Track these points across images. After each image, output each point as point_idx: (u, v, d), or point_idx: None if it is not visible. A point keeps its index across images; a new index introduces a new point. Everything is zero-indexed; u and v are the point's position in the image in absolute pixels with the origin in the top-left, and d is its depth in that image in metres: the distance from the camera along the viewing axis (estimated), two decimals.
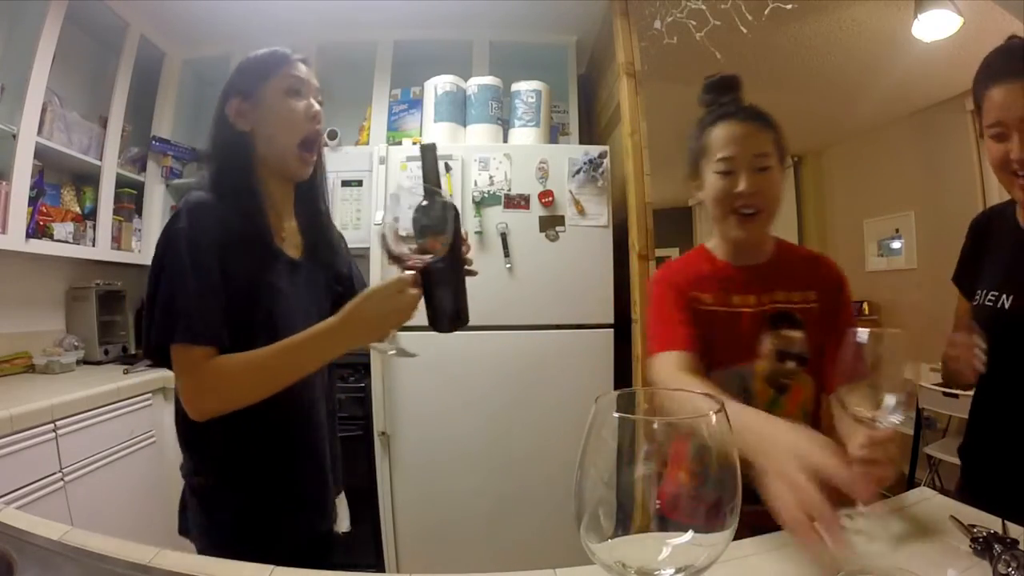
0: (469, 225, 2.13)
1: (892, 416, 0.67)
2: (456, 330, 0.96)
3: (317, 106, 0.98)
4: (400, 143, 2.36)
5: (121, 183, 2.45)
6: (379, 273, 2.09)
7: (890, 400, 0.67)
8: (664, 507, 0.37)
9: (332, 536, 1.08)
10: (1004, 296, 1.02)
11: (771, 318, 1.00)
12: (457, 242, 0.92)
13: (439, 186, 0.93)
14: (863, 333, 0.68)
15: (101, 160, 2.31)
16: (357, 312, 0.83)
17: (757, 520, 0.61)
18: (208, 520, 0.90)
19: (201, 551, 0.89)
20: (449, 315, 0.95)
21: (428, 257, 0.84)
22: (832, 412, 0.88)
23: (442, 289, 0.93)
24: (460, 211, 0.95)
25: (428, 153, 0.94)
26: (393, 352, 0.88)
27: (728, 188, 0.97)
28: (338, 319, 0.83)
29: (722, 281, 1.03)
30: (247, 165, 0.94)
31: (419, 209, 0.87)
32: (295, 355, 0.84)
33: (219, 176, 0.93)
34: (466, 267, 0.96)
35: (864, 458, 0.66)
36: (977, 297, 1.09)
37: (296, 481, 0.96)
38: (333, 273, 1.08)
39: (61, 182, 2.32)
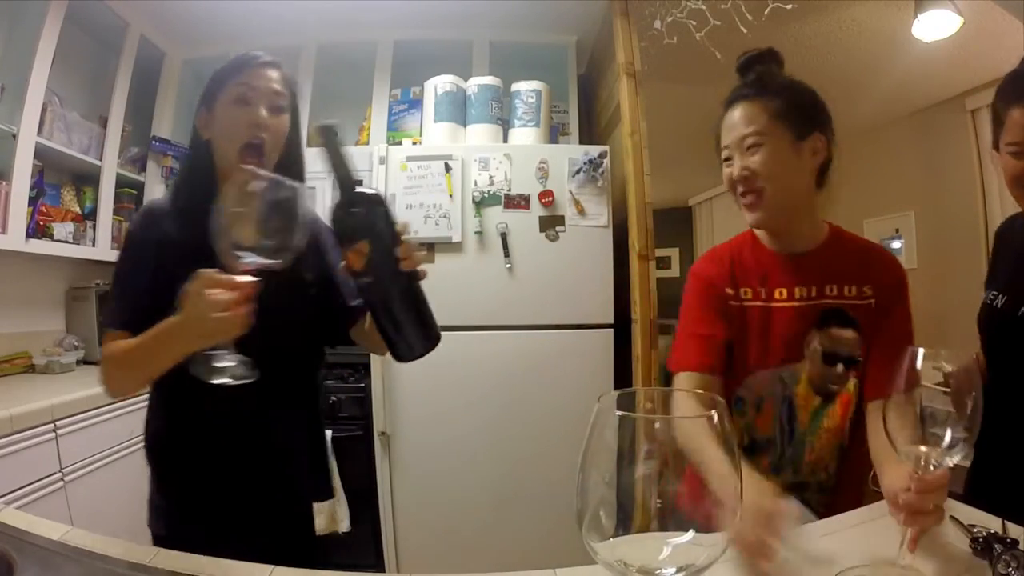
0: (469, 225, 2.12)
1: (950, 456, 0.56)
2: (426, 353, 0.83)
3: (264, 113, 0.93)
4: (400, 143, 2.36)
5: (121, 183, 2.45)
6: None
7: (950, 436, 0.56)
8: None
9: (313, 540, 1.08)
10: (1000, 296, 1.03)
11: (820, 315, 0.90)
12: (389, 247, 0.75)
13: (349, 175, 0.76)
14: (941, 358, 0.57)
15: (101, 160, 2.31)
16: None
17: None
18: (168, 534, 0.94)
19: None
20: (407, 340, 0.80)
21: (260, 262, 0.69)
22: (872, 425, 0.82)
23: (385, 311, 0.78)
24: (390, 205, 0.78)
25: (330, 136, 0.75)
26: (219, 373, 0.71)
27: (729, 175, 0.94)
28: (182, 312, 0.72)
29: (763, 271, 0.94)
30: (206, 172, 0.95)
31: (336, 210, 0.75)
32: (151, 346, 0.79)
33: (179, 181, 1.00)
34: (412, 271, 0.79)
35: (910, 505, 0.58)
36: (991, 299, 1.10)
37: (236, 496, 0.95)
38: (300, 279, 0.98)
39: (61, 182, 2.32)
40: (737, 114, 0.93)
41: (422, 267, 0.81)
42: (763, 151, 0.89)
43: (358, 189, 0.75)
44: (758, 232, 1.00)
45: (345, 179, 0.76)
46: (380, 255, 0.74)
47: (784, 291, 0.92)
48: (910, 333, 0.92)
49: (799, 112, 0.92)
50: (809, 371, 0.90)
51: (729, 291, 0.95)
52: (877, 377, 0.87)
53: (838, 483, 0.97)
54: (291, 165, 0.99)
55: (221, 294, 0.68)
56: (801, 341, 0.90)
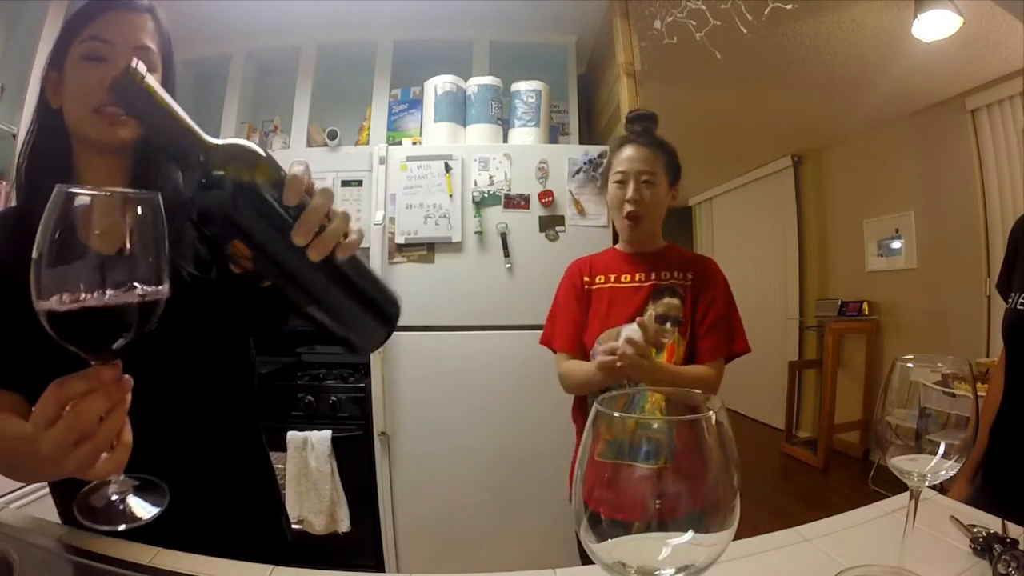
0: (469, 225, 2.12)
1: (946, 468, 0.55)
2: (386, 339, 0.60)
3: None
4: (400, 143, 2.36)
5: None
6: (379, 274, 2.09)
7: (944, 447, 0.55)
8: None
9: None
10: (1021, 295, 1.02)
11: (656, 291, 1.29)
12: (277, 237, 0.50)
13: (182, 125, 0.50)
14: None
15: None
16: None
17: None
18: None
19: None
20: (355, 335, 0.59)
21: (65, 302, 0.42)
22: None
23: (308, 315, 0.55)
24: (269, 160, 0.51)
25: (131, 82, 0.48)
26: (108, 518, 0.49)
27: (620, 195, 1.30)
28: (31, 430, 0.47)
29: (619, 264, 1.36)
30: (58, 149, 0.77)
31: (194, 191, 0.50)
32: None
33: (27, 165, 0.77)
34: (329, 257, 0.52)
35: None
36: (1010, 301, 1.09)
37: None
38: (180, 257, 0.77)
39: None
40: (636, 153, 1.30)
41: (350, 237, 0.54)
42: (653, 189, 1.29)
43: (213, 142, 0.50)
44: (618, 245, 1.41)
45: (177, 134, 0.49)
46: (269, 251, 0.50)
47: (628, 276, 1.33)
48: (729, 314, 1.29)
49: (673, 168, 1.34)
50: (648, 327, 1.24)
51: (587, 279, 1.36)
52: (704, 346, 1.25)
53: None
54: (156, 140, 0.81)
55: (77, 420, 0.45)
56: (639, 308, 1.28)
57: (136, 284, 0.44)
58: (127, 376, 0.48)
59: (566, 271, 1.43)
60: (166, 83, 0.81)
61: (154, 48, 0.78)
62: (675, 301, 1.27)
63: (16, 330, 0.63)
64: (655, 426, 0.38)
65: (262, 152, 0.51)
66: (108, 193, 0.44)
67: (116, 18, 0.75)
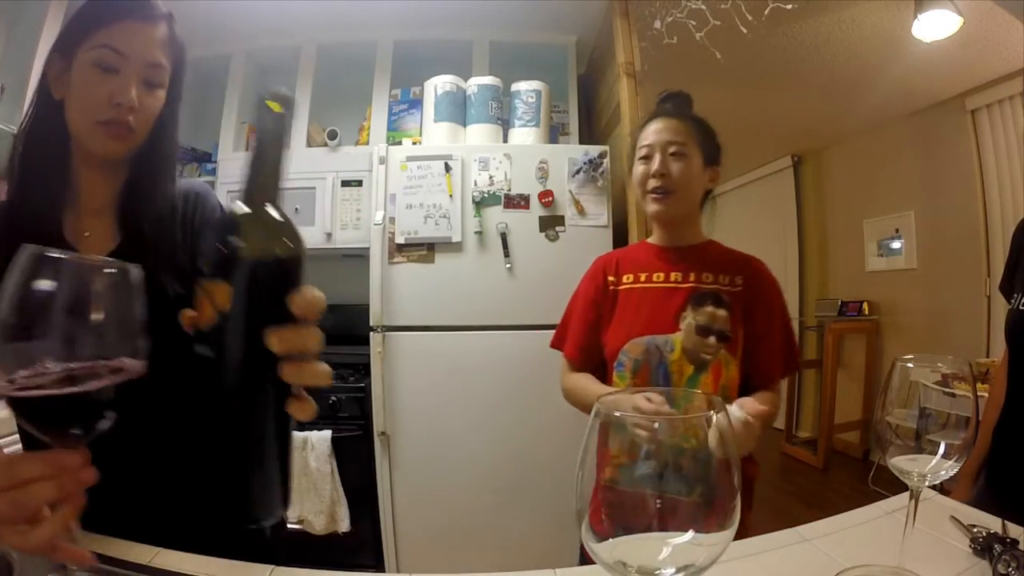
0: (469, 225, 2.12)
1: (946, 468, 0.55)
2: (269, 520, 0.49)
3: (133, 93, 0.72)
4: (400, 143, 2.36)
5: None
6: (379, 276, 2.09)
7: (945, 446, 0.55)
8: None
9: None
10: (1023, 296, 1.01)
11: (696, 296, 1.06)
12: (261, 314, 0.43)
13: (272, 181, 0.46)
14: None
15: None
16: None
17: None
18: None
19: None
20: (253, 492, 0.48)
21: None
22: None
23: (218, 407, 0.46)
24: (303, 255, 0.46)
25: (279, 115, 0.47)
26: None
27: (645, 171, 1.09)
28: None
29: (651, 260, 1.14)
30: (56, 142, 0.74)
31: (225, 217, 0.47)
32: None
33: (22, 155, 0.74)
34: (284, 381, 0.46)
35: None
36: (1013, 302, 1.08)
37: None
38: (164, 273, 0.75)
39: None
40: (662, 124, 1.10)
41: (316, 372, 0.46)
42: (683, 161, 1.07)
43: (267, 208, 0.45)
44: (650, 239, 1.20)
45: (262, 182, 0.46)
46: (246, 334, 0.43)
47: (662, 274, 1.11)
48: (791, 332, 1.12)
49: (711, 144, 1.12)
50: (683, 341, 1.04)
51: (611, 278, 1.15)
52: (764, 370, 1.06)
53: None
54: (155, 156, 0.79)
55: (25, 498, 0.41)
56: (674, 316, 1.06)
57: (105, 361, 0.40)
58: (91, 469, 0.42)
59: (589, 268, 1.24)
60: (174, 95, 0.80)
61: (166, 64, 0.76)
62: (721, 312, 1.04)
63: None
64: (656, 425, 0.38)
65: (304, 248, 0.47)
66: (82, 260, 0.40)
67: (131, 28, 0.73)
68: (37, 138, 0.75)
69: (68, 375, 0.38)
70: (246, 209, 0.45)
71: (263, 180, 0.46)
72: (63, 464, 0.42)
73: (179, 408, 0.63)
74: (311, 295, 0.45)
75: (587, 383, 1.14)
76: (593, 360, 1.15)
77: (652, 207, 1.10)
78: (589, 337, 1.15)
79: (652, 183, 1.07)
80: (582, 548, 0.39)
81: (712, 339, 1.03)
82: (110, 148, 0.75)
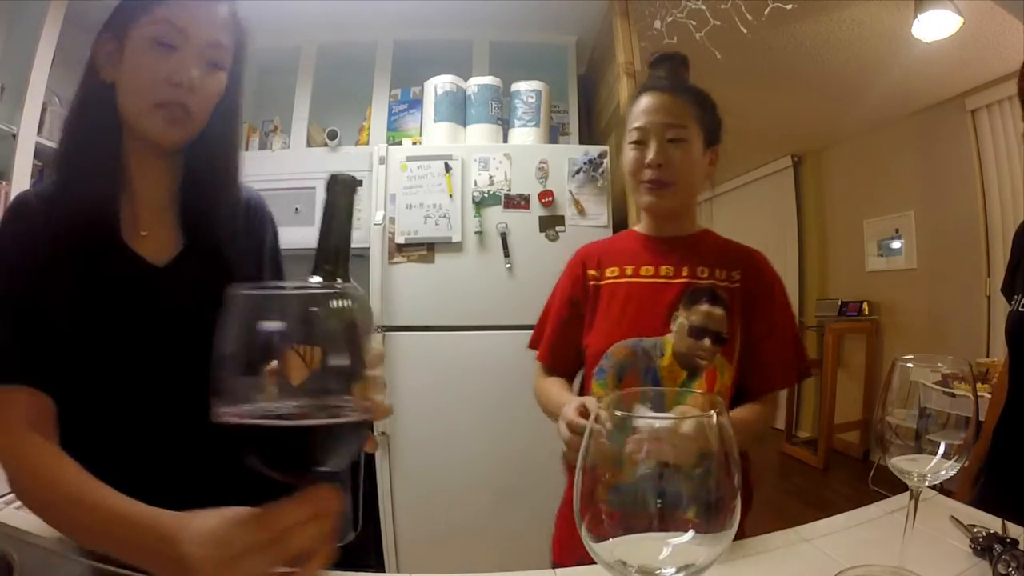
0: (469, 225, 2.12)
1: (946, 468, 0.55)
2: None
3: (194, 73, 0.67)
4: (400, 143, 2.36)
5: None
6: (379, 276, 2.09)
7: (945, 446, 0.55)
8: None
9: None
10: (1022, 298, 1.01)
11: (690, 293, 0.93)
12: (345, 376, 0.42)
13: (342, 255, 0.51)
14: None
15: None
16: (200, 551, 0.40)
17: None
18: None
19: None
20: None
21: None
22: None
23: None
24: (372, 320, 0.48)
25: (347, 191, 0.52)
26: None
27: (639, 159, 0.95)
28: (174, 529, 0.43)
29: (638, 251, 1.00)
30: (106, 128, 0.69)
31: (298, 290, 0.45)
32: (93, 521, 0.51)
33: (68, 144, 0.70)
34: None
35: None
36: (1013, 304, 1.07)
37: None
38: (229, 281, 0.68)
39: None
40: (657, 101, 0.95)
41: (385, 412, 0.47)
42: (684, 147, 0.94)
43: (338, 284, 0.50)
44: (638, 227, 1.07)
45: (334, 255, 0.50)
46: (324, 375, 0.43)
47: (651, 267, 0.98)
48: (795, 332, 1.01)
49: (711, 121, 0.98)
50: (675, 344, 0.92)
51: (593, 272, 1.02)
52: (756, 377, 0.94)
53: None
54: (216, 147, 0.74)
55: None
56: (665, 315, 0.93)
57: (343, 395, 0.39)
58: (340, 498, 0.41)
59: (568, 262, 1.11)
60: (236, 80, 0.74)
61: (228, 45, 0.71)
62: (717, 310, 0.92)
63: (60, 328, 0.61)
64: (656, 425, 0.38)
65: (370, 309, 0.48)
66: (303, 292, 0.39)
67: (192, 4, 0.68)
68: (85, 125, 0.69)
69: (304, 410, 0.37)
70: (323, 280, 0.49)
71: (335, 252, 0.50)
72: (321, 502, 0.40)
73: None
74: (378, 351, 0.49)
75: (551, 389, 1.03)
76: (569, 363, 1.06)
77: (646, 199, 0.97)
78: (564, 338, 1.05)
79: (648, 174, 0.94)
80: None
81: (707, 341, 0.91)
82: (167, 134, 0.69)
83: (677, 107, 0.95)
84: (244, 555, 0.38)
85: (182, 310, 0.67)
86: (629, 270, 0.99)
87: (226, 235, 0.76)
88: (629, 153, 0.97)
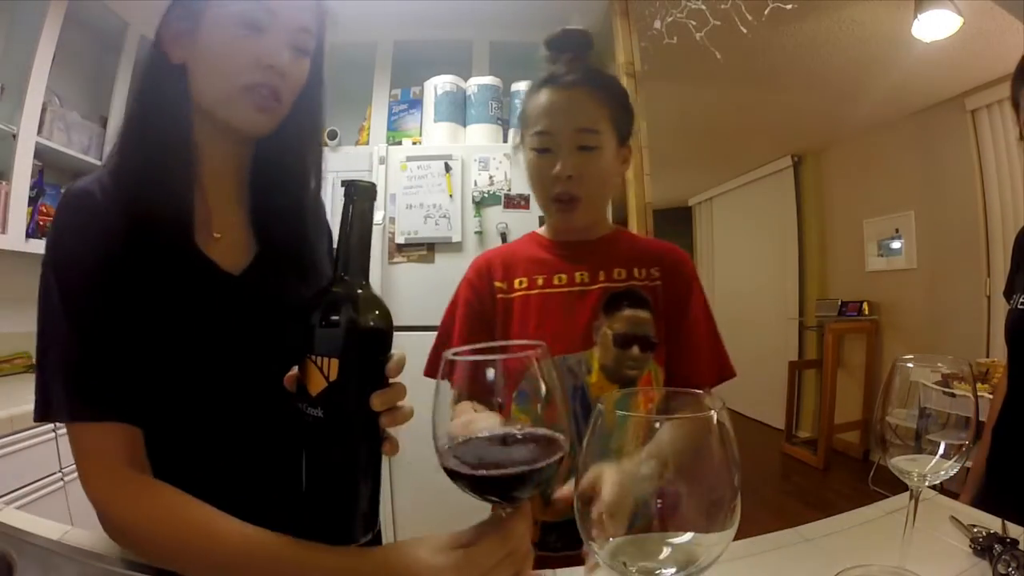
0: (469, 225, 2.12)
1: (944, 468, 0.55)
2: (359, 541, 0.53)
3: (285, 56, 0.62)
4: (400, 143, 2.37)
5: None
6: (379, 275, 2.09)
7: (945, 446, 0.55)
8: None
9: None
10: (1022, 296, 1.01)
11: (610, 298, 0.85)
12: (362, 382, 0.50)
13: (361, 260, 0.51)
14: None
15: (101, 160, 2.31)
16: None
17: None
18: None
19: None
20: (340, 517, 0.53)
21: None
22: None
23: (326, 463, 0.52)
24: (390, 328, 0.52)
25: (367, 200, 0.51)
26: None
27: (545, 169, 0.84)
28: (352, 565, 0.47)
29: (547, 258, 0.90)
30: (178, 114, 0.62)
31: (316, 298, 0.50)
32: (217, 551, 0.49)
33: (131, 132, 0.62)
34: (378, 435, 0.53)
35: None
36: (1012, 302, 1.07)
37: None
38: (306, 290, 0.62)
39: (61, 182, 2.31)
40: (564, 100, 0.84)
41: (405, 416, 0.54)
42: (597, 155, 0.83)
43: (362, 287, 0.50)
44: (542, 230, 0.96)
45: (355, 263, 0.50)
46: (348, 388, 0.49)
47: (564, 275, 0.88)
48: (714, 328, 0.90)
49: (624, 115, 0.87)
50: (601, 358, 0.84)
51: (499, 284, 0.90)
52: (687, 374, 0.85)
53: None
54: (297, 139, 0.69)
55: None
56: (586, 326, 0.84)
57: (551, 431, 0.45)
58: (532, 526, 0.46)
59: (464, 275, 0.97)
60: (318, 68, 0.71)
61: (313, 30, 0.67)
62: (642, 313, 0.84)
63: (135, 338, 0.55)
64: (657, 426, 0.37)
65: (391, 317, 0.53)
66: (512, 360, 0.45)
67: None
68: (151, 110, 0.61)
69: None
70: (345, 290, 0.50)
71: (356, 261, 0.50)
72: (517, 537, 0.47)
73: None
74: (400, 358, 0.51)
75: (461, 416, 0.93)
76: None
77: (557, 218, 0.88)
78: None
79: (558, 188, 0.83)
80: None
81: (635, 349, 0.82)
82: (254, 120, 0.62)
83: (588, 107, 0.84)
84: None
85: (260, 325, 0.62)
86: (540, 280, 0.88)
87: (307, 238, 0.71)
88: (533, 161, 0.86)
